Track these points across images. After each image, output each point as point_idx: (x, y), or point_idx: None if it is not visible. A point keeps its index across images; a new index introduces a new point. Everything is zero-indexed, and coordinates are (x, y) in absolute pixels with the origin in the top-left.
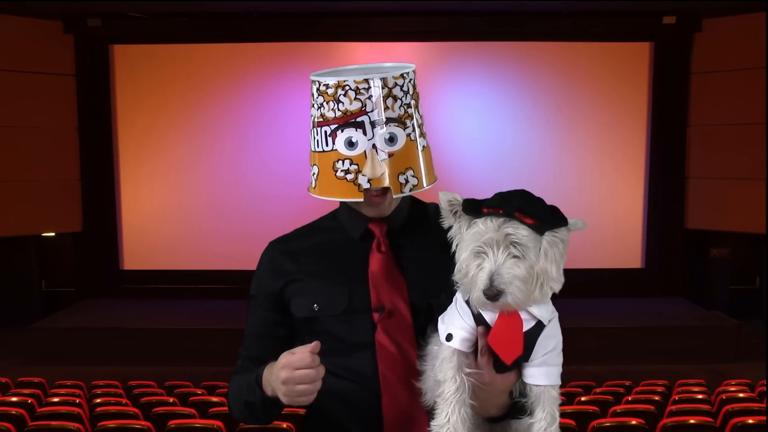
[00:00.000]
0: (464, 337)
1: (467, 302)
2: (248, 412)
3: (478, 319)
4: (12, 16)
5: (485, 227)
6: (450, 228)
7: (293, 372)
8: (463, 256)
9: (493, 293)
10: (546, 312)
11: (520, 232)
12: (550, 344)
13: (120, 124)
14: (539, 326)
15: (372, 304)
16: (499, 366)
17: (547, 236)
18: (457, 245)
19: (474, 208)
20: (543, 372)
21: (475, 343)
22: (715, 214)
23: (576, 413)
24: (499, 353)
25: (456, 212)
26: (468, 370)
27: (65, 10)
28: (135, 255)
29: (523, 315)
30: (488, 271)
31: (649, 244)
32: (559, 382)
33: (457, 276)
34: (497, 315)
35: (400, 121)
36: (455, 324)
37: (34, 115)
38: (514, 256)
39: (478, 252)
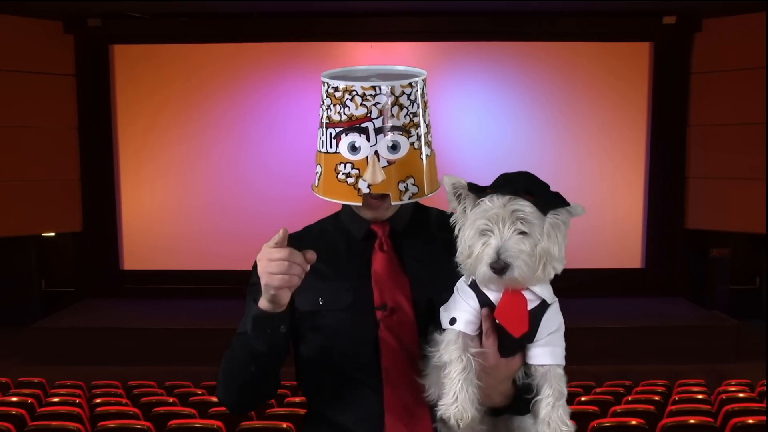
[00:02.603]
0: (468, 319)
1: (470, 285)
2: (240, 352)
3: (482, 301)
4: (12, 16)
5: (491, 204)
6: (453, 217)
7: (269, 261)
8: (468, 234)
9: (500, 266)
10: (548, 293)
11: (526, 208)
12: (553, 325)
13: (120, 124)
14: (543, 306)
15: (375, 302)
16: (504, 349)
17: (550, 217)
18: (460, 227)
19: (478, 189)
20: (548, 351)
21: (479, 326)
22: (715, 214)
23: (576, 413)
24: (507, 327)
25: (460, 195)
26: (474, 351)
27: (65, 10)
28: (135, 255)
29: (527, 294)
30: (495, 246)
31: (649, 244)
32: (563, 362)
33: (461, 257)
34: (501, 295)
35: (405, 130)
36: (458, 308)
37: (34, 115)
38: (521, 232)
39: (484, 230)
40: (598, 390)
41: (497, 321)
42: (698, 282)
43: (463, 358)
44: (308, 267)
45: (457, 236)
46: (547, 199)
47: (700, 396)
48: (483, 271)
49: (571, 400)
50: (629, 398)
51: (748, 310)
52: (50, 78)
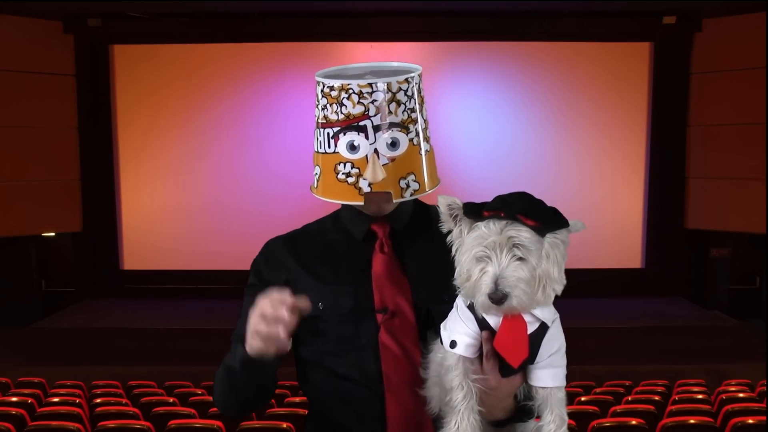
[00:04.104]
0: (468, 342)
1: (469, 307)
2: (227, 383)
3: (482, 323)
4: (12, 16)
5: (488, 230)
6: (449, 232)
7: (260, 318)
8: (464, 260)
9: (498, 297)
10: (548, 314)
11: (523, 234)
12: (554, 346)
13: (120, 124)
14: (543, 328)
15: (375, 305)
16: (505, 370)
17: (549, 238)
18: (457, 249)
19: (474, 212)
20: (549, 374)
21: (480, 348)
22: (715, 214)
23: (576, 413)
24: (506, 357)
25: (456, 216)
26: (474, 377)
27: (65, 10)
28: (135, 255)
29: (527, 317)
30: (492, 274)
31: (649, 244)
32: (564, 383)
33: (458, 281)
34: (501, 319)
35: (403, 126)
36: (458, 330)
37: (34, 115)
38: (518, 259)
39: (481, 256)
40: (598, 390)
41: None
42: (698, 282)
43: (464, 385)
44: (288, 346)
45: (454, 256)
46: (545, 222)
47: (700, 396)
48: (481, 300)
49: (571, 400)
50: (629, 398)
51: (748, 310)
52: (50, 78)
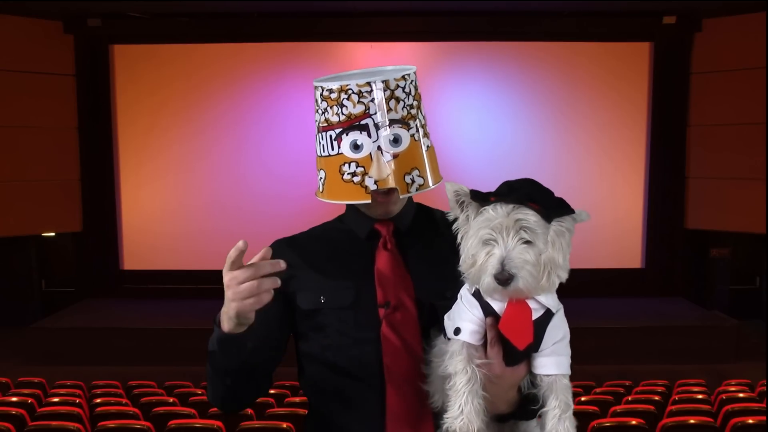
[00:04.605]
0: (473, 329)
1: (474, 294)
2: (211, 369)
3: (486, 310)
4: (12, 16)
5: (495, 213)
6: (455, 224)
7: (238, 286)
8: (471, 243)
9: (504, 277)
10: (553, 301)
11: (530, 217)
12: (558, 334)
13: (120, 124)
14: (548, 315)
15: (378, 300)
16: (509, 358)
17: (555, 225)
18: (462, 236)
19: (482, 197)
20: (553, 361)
21: (484, 336)
22: (715, 214)
23: (576, 413)
24: (511, 339)
25: (463, 202)
26: (479, 362)
27: (65, 10)
28: (135, 255)
29: (532, 304)
30: (499, 256)
31: (649, 244)
32: (569, 371)
33: (464, 266)
34: (506, 304)
35: (404, 122)
36: (462, 317)
37: (34, 115)
38: (525, 242)
39: (487, 240)
40: (598, 390)
41: (502, 333)
42: (698, 282)
43: (468, 369)
44: (278, 282)
45: (459, 244)
46: (551, 207)
47: (700, 396)
48: (487, 281)
49: None
50: (629, 398)
51: (748, 310)
52: (50, 78)
